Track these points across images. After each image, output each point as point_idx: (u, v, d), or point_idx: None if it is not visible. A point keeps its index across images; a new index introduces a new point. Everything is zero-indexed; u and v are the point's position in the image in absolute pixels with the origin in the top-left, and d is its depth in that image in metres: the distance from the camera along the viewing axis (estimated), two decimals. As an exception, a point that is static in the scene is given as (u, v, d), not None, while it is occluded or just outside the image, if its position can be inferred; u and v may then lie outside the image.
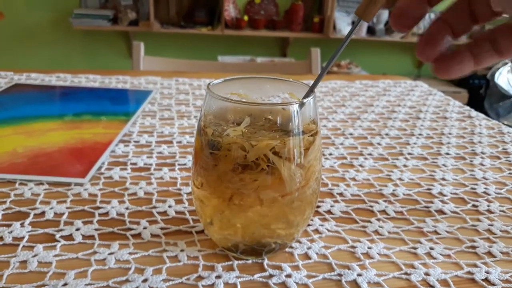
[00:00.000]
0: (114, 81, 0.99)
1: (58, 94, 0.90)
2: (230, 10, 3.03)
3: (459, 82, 3.31)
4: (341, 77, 1.17)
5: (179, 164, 0.62)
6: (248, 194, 0.38)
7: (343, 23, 3.07)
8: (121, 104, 0.85)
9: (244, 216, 0.39)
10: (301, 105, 0.38)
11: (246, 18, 3.05)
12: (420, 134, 0.78)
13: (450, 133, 0.79)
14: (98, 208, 0.50)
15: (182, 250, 0.43)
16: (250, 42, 3.24)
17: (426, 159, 0.68)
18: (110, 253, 0.43)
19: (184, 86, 1.00)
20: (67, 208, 0.50)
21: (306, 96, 0.39)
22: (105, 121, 0.75)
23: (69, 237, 0.45)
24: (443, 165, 0.66)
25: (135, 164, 0.61)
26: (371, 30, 3.15)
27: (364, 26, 3.08)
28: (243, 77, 0.44)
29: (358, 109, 0.90)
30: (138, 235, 0.46)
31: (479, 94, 3.21)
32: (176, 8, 3.06)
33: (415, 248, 0.46)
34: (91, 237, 0.45)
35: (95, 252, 0.43)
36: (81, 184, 0.55)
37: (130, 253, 0.43)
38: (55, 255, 0.42)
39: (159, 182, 0.57)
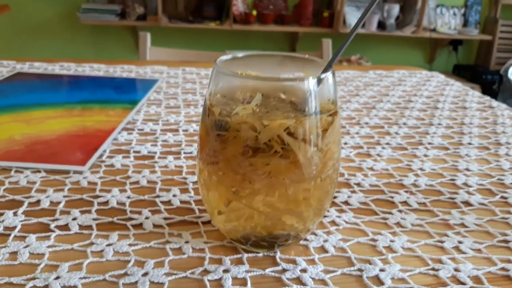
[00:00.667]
0: (119, 71, 0.96)
1: (61, 82, 0.87)
2: (238, 5, 3.00)
3: (471, 77, 3.25)
4: (354, 67, 1.13)
5: (185, 153, 0.58)
6: (260, 180, 0.34)
7: (353, 18, 3.02)
8: (125, 92, 0.82)
9: (255, 204, 0.35)
10: (319, 81, 0.34)
11: (254, 13, 3.01)
12: (439, 124, 0.74)
13: (471, 123, 0.75)
14: (98, 197, 0.47)
15: (186, 242, 0.40)
16: (259, 37, 3.20)
17: (447, 149, 0.64)
18: (108, 244, 0.39)
19: (191, 75, 0.96)
20: (64, 196, 0.47)
21: (324, 71, 0.35)
22: (108, 109, 0.72)
23: (65, 227, 0.41)
24: (466, 155, 0.62)
25: (138, 152, 0.58)
26: (381, 25, 3.09)
27: (375, 20, 3.03)
28: (254, 54, 0.40)
29: (373, 98, 0.86)
30: (139, 226, 0.42)
31: (492, 89, 3.14)
32: (184, 3, 3.02)
33: (441, 242, 0.42)
34: (89, 227, 0.42)
35: (92, 243, 0.39)
36: (80, 172, 0.52)
37: (130, 245, 0.39)
38: (49, 246, 0.38)
39: (164, 170, 0.53)
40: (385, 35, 3.11)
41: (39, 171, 0.51)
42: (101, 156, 0.56)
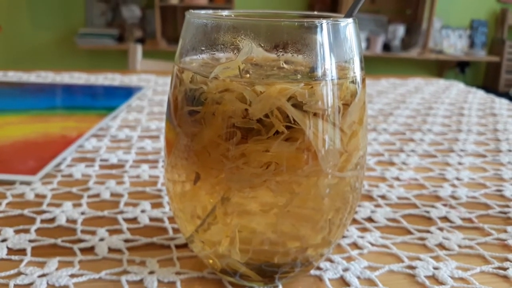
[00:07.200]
0: (101, 79, 0.86)
1: (32, 90, 0.77)
2: (239, 28, 2.93)
3: (480, 100, 3.14)
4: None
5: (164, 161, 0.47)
6: (253, 178, 0.23)
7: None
8: (103, 99, 0.71)
9: (247, 218, 0.24)
10: (336, 29, 0.23)
11: (255, 35, 2.94)
12: (469, 130, 0.63)
13: (505, 129, 0.64)
14: (43, 212, 0.36)
15: (151, 272, 0.28)
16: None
17: (484, 156, 0.53)
18: (41, 275, 0.28)
19: (182, 84, 0.86)
20: (-1, 212, 0.35)
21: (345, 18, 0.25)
22: (80, 115, 0.61)
23: (-13, 252, 0.30)
24: (509, 162, 0.51)
25: (106, 160, 0.47)
26: (386, 46, 3.01)
27: (379, 42, 2.95)
28: (243, 13, 0.30)
29: (388, 105, 0.75)
30: (89, 250, 0.31)
31: (502, 112, 3.04)
32: (184, 27, 2.96)
33: (504, 269, 0.31)
34: (21, 251, 0.31)
35: (19, 274, 0.28)
36: (28, 183, 0.41)
37: (72, 276, 0.28)
38: (-48, 279, 0.27)
39: (134, 181, 0.42)
40: (390, 57, 3.03)
41: (-24, 182, 0.41)
42: (59, 164, 0.45)
